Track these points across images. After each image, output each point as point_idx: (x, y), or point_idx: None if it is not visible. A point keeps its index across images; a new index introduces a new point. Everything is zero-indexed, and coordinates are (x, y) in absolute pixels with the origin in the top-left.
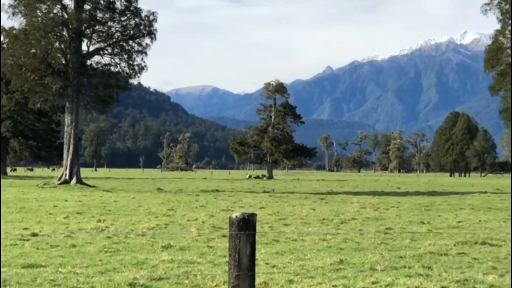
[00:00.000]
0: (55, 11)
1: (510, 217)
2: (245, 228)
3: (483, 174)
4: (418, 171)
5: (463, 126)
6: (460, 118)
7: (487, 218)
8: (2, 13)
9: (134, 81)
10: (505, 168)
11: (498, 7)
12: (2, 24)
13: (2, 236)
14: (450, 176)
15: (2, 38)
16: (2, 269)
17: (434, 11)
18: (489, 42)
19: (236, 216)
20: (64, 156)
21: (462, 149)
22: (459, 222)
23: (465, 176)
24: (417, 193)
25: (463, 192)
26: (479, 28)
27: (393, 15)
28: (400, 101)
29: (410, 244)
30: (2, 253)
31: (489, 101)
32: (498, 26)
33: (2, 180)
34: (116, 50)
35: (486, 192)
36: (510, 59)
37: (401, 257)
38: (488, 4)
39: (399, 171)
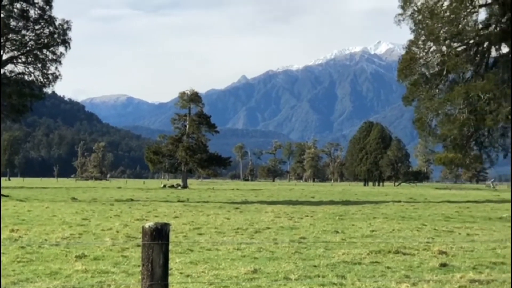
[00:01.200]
0: None
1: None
2: (158, 238)
3: (396, 183)
4: (332, 180)
5: (377, 136)
6: (374, 128)
7: (400, 227)
8: None
9: (48, 90)
10: (418, 178)
11: (411, 17)
12: None
13: None
14: (364, 185)
15: None
16: None
17: (348, 21)
18: (403, 52)
19: (149, 226)
20: None
21: (376, 159)
22: (373, 231)
23: (379, 185)
24: (331, 202)
25: (377, 201)
26: (392, 38)
27: (307, 25)
28: (315, 110)
29: (324, 253)
30: None
31: (403, 111)
32: (411, 37)
33: None
34: (30, 59)
35: (399, 201)
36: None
37: (315, 266)
38: (401, 14)
39: (314, 180)
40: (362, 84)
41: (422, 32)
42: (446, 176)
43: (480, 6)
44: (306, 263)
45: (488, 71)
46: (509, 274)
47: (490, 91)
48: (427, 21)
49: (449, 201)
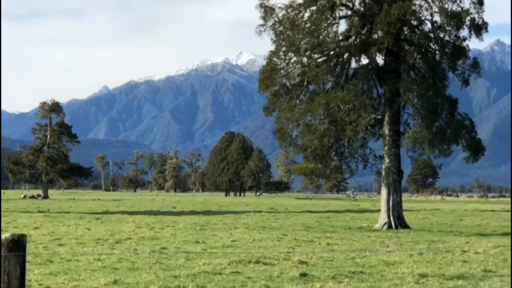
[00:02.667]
0: None
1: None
2: (14, 249)
3: (258, 194)
4: (194, 190)
5: (238, 146)
6: (235, 138)
7: (261, 237)
8: None
9: None
10: (279, 188)
11: (272, 28)
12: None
13: None
14: (226, 195)
15: None
16: None
17: (210, 32)
18: (264, 63)
19: (5, 237)
20: None
21: (237, 169)
22: (234, 241)
23: (240, 195)
24: (193, 213)
25: (238, 212)
26: (254, 49)
27: (170, 36)
28: (176, 121)
29: (185, 264)
30: None
31: (264, 121)
32: (272, 47)
33: None
34: None
35: (260, 211)
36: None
37: (175, 276)
38: (262, 25)
39: (175, 191)
40: (224, 94)
41: (283, 43)
42: (307, 186)
43: (341, 17)
44: (166, 273)
45: (348, 82)
46: (368, 283)
47: (350, 102)
48: (288, 32)
49: (309, 211)
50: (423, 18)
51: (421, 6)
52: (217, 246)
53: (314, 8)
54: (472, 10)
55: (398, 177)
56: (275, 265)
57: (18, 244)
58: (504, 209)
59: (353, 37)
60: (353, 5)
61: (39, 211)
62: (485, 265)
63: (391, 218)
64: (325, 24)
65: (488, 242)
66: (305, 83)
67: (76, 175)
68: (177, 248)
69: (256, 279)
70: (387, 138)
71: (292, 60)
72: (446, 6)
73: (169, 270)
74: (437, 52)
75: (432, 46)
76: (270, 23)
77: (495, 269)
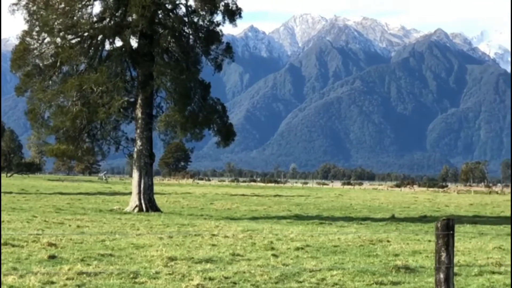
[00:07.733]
0: None
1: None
2: None
3: (8, 175)
4: None
5: None
6: None
7: (10, 218)
8: None
9: None
10: (31, 169)
11: (25, 7)
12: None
13: None
14: None
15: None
16: None
17: None
18: (17, 42)
19: None
20: None
21: None
22: None
23: None
24: None
25: None
26: (7, 28)
27: None
28: None
29: None
30: None
31: (17, 102)
32: (25, 27)
33: None
34: None
35: (11, 193)
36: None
37: None
38: (15, 4)
39: None
40: None
41: (37, 23)
42: (59, 168)
43: None
44: None
45: (101, 64)
46: (117, 266)
47: (103, 84)
48: (41, 12)
49: (61, 193)
50: (177, 2)
51: None
52: None
53: None
54: None
55: (150, 160)
56: (24, 247)
57: None
58: (254, 193)
59: (108, 19)
60: None
61: None
62: (233, 249)
63: (142, 201)
64: (80, 5)
65: (237, 226)
66: (58, 64)
67: None
68: None
69: (4, 261)
70: (139, 121)
71: (45, 41)
72: None
73: None
74: (191, 36)
75: (186, 30)
76: (23, 2)
77: (243, 253)
